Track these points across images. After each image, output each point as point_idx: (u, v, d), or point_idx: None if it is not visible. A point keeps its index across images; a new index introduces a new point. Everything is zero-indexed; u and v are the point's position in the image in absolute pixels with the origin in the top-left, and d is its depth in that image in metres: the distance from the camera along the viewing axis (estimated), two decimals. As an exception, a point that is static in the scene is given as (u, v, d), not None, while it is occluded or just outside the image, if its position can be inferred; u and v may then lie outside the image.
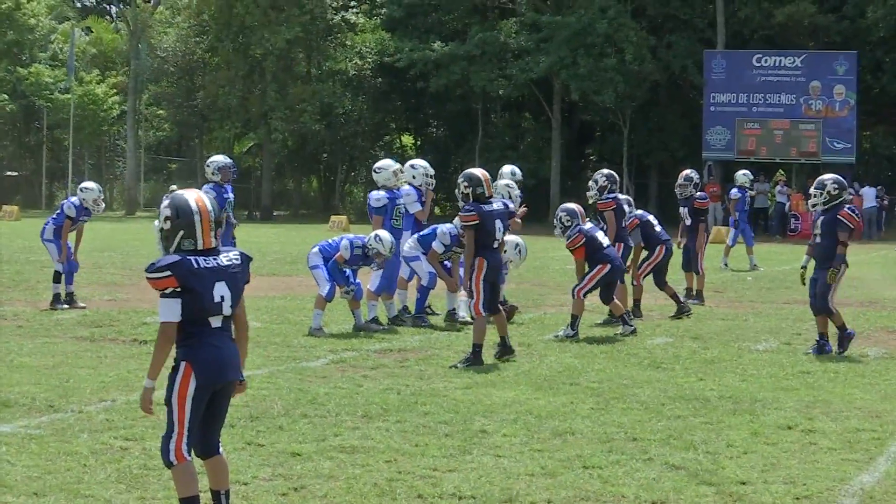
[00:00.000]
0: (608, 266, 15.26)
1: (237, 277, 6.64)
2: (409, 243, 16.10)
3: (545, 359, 13.20)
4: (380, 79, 56.25)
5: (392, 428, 9.48)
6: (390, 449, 8.77)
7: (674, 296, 17.54)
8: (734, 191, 26.59)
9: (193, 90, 59.80)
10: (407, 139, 63.37)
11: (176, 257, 6.50)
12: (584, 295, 15.24)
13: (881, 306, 19.24)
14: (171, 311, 6.47)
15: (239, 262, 6.70)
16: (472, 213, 12.91)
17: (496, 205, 13.11)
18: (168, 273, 6.44)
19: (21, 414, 9.84)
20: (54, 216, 17.66)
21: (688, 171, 19.90)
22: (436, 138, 60.71)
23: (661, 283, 17.65)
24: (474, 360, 12.63)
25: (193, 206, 6.59)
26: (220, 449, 6.78)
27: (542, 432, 9.42)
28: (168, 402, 6.54)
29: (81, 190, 17.73)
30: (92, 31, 67.55)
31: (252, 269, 6.90)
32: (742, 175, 27.05)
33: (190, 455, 6.54)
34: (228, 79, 55.40)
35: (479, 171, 13.36)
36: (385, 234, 15.30)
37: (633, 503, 7.54)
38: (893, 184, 46.10)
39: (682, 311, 17.32)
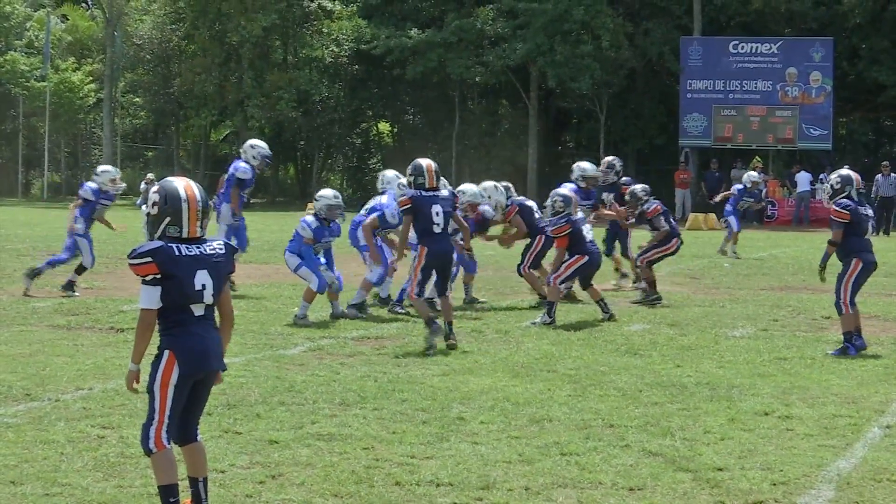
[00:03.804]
0: (586, 258, 15.41)
1: (220, 267, 6.67)
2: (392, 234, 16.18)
3: (522, 346, 13.21)
4: (356, 66, 56.07)
5: (369, 415, 9.47)
6: (368, 436, 8.77)
7: (652, 283, 17.57)
8: (739, 187, 27.78)
9: (170, 78, 59.53)
10: (384, 126, 63.18)
11: (157, 243, 6.54)
12: (560, 283, 15.38)
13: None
14: (151, 297, 6.50)
15: (223, 251, 6.72)
16: (406, 196, 13.28)
17: (439, 194, 13.40)
18: (149, 259, 6.47)
19: (-3, 403, 9.81)
20: (80, 208, 17.48)
21: (609, 158, 20.39)
22: (413, 125, 60.53)
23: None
24: (431, 329, 12.70)
25: (182, 193, 6.63)
26: (199, 436, 6.80)
27: (520, 419, 9.43)
28: (150, 390, 6.58)
29: (96, 174, 17.72)
30: (68, 19, 67.17)
31: (229, 257, 6.90)
32: (749, 176, 28.38)
33: (169, 443, 6.57)
34: (205, 66, 55.16)
35: (424, 162, 13.61)
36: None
37: (611, 490, 7.55)
38: (871, 170, 45.92)
39: (649, 297, 17.36)
